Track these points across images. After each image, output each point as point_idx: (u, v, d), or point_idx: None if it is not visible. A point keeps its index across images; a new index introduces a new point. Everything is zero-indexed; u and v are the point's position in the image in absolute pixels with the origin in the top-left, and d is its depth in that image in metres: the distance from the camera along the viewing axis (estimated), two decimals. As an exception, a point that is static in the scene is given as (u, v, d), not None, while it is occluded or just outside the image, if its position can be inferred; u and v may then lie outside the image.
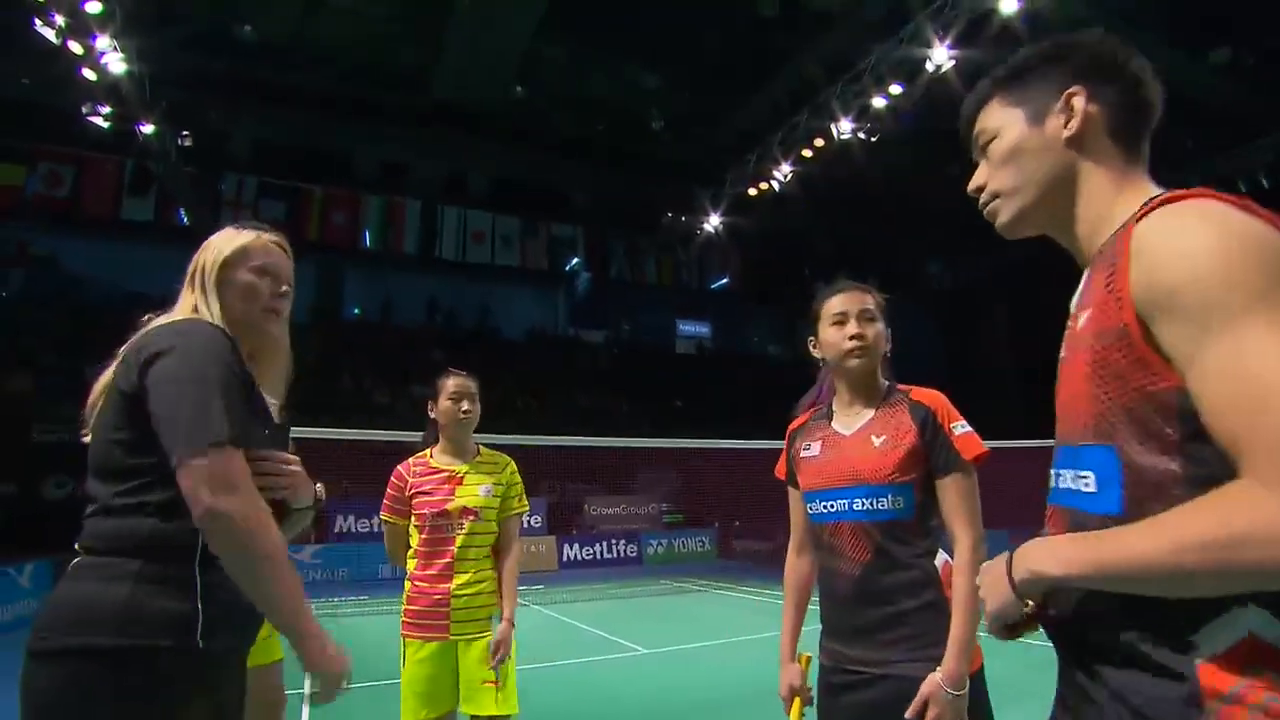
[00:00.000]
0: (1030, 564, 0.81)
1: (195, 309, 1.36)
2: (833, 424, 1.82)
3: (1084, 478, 0.83)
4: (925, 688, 1.53)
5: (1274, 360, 0.66)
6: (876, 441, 1.71)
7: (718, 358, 25.71)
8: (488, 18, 14.95)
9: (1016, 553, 0.84)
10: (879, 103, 12.81)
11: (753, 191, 16.93)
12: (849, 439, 1.76)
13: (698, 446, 12.21)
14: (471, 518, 2.57)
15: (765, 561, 15.26)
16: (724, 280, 26.25)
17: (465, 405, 2.63)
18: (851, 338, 1.74)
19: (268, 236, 1.44)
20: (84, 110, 12.78)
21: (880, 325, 1.77)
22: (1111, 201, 0.89)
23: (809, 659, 1.82)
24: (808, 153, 14.81)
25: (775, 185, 15.92)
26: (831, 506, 1.73)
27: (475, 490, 2.60)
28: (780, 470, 1.94)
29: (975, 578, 1.53)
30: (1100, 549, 0.74)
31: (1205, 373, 0.70)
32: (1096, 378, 0.81)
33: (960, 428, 1.68)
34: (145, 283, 16.14)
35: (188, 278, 1.39)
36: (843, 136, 13.69)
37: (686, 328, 26.64)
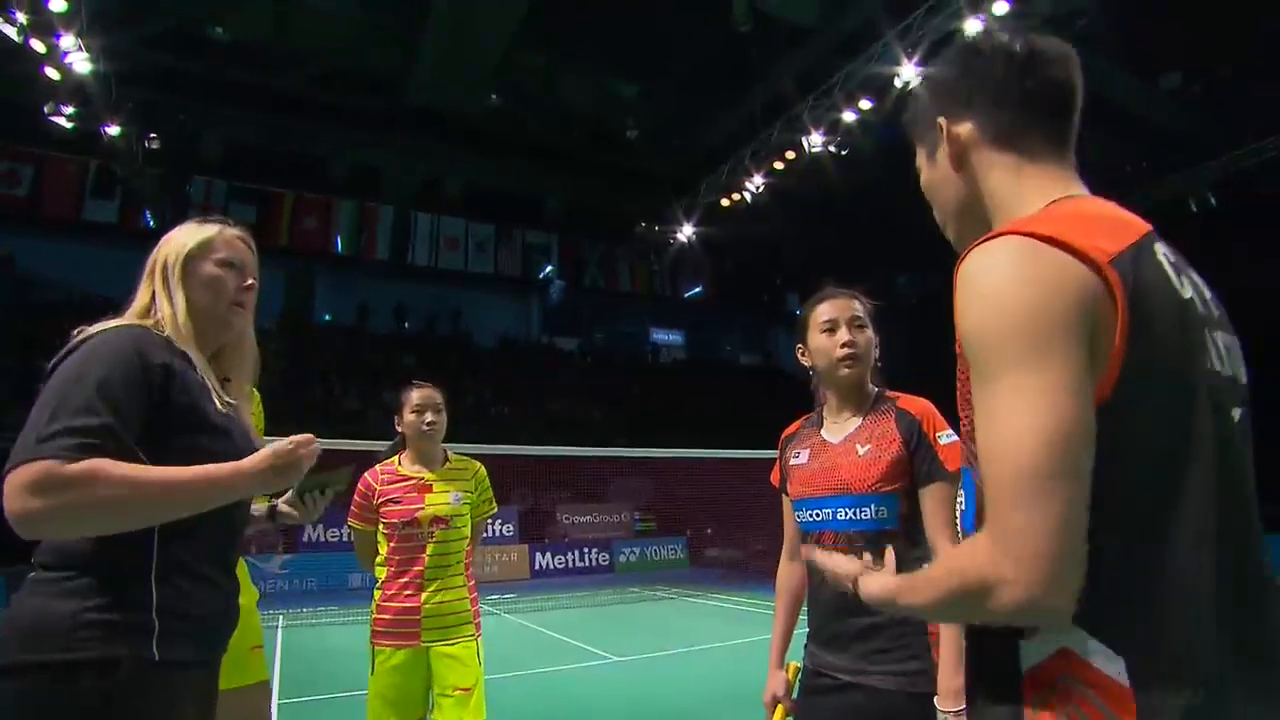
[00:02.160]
0: (865, 586, 0.94)
1: (153, 304, 1.33)
2: (822, 431, 1.81)
3: (961, 497, 0.88)
4: None
5: (1007, 416, 0.69)
6: (861, 450, 1.69)
7: (690, 366, 25.86)
8: (465, 24, 14.94)
9: (865, 576, 0.96)
10: (849, 117, 13.08)
11: (725, 202, 17.12)
12: (836, 447, 1.75)
13: (669, 456, 12.26)
14: (442, 526, 2.56)
15: (736, 569, 15.35)
16: (697, 289, 26.44)
17: (430, 417, 2.62)
18: (843, 345, 1.72)
19: (231, 231, 1.43)
20: (45, 110, 12.46)
21: (870, 332, 1.76)
22: (1014, 209, 0.86)
23: (797, 668, 1.80)
24: (779, 165, 15.04)
25: (747, 196, 16.12)
26: (817, 515, 1.73)
27: (445, 498, 2.60)
28: (774, 477, 1.93)
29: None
30: (903, 592, 0.85)
31: (976, 423, 0.75)
32: (962, 404, 0.82)
33: (946, 437, 1.67)
34: (107, 285, 15.75)
35: (147, 272, 1.36)
36: (814, 150, 13.93)
37: (659, 336, 26.77)
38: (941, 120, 0.92)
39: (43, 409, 1.12)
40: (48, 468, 1.07)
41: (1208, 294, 0.83)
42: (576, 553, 15.57)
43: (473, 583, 2.67)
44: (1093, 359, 0.70)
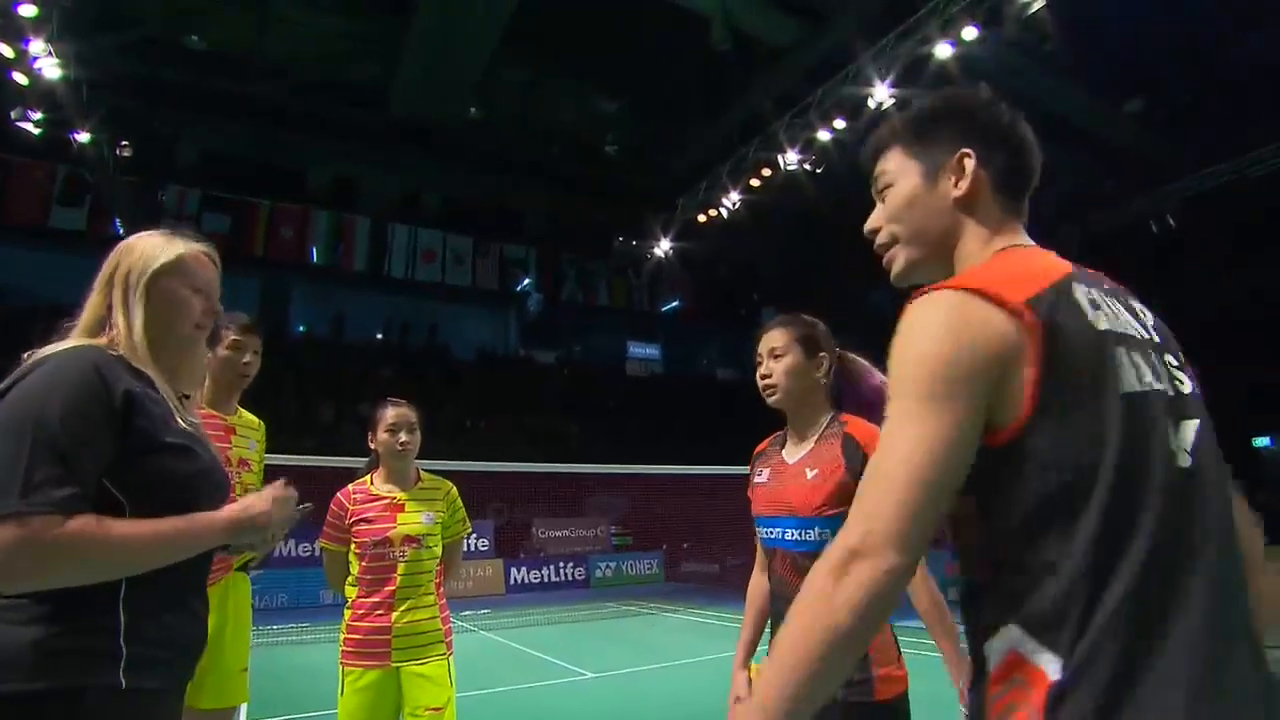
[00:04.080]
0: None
1: (108, 318, 1.26)
2: (783, 452, 1.87)
3: None
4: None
5: (884, 448, 0.79)
6: (810, 474, 1.74)
7: (668, 380, 25.91)
8: (447, 37, 14.97)
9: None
10: (823, 136, 13.31)
11: (703, 218, 17.28)
12: (790, 469, 1.80)
13: (645, 472, 12.25)
14: (414, 545, 2.55)
15: (712, 584, 15.33)
16: (675, 304, 26.56)
17: (403, 436, 2.61)
18: (761, 377, 1.82)
19: (198, 247, 1.37)
20: (13, 115, 12.20)
21: (791, 359, 1.78)
22: (975, 257, 0.93)
23: (759, 670, 1.84)
24: (755, 182, 15.24)
25: (724, 212, 16.30)
26: (771, 534, 1.79)
27: (417, 518, 2.59)
28: (750, 492, 2.00)
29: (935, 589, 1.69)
30: (763, 693, 0.78)
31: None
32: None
33: None
34: (74, 294, 15.01)
35: (102, 281, 1.28)
36: (789, 167, 14.14)
37: (637, 350, 26.80)
38: (972, 152, 0.93)
39: (9, 450, 1.06)
40: (29, 533, 1.02)
41: (1137, 321, 0.87)
42: (552, 567, 15.44)
43: (443, 601, 2.66)
44: (1005, 393, 0.78)
